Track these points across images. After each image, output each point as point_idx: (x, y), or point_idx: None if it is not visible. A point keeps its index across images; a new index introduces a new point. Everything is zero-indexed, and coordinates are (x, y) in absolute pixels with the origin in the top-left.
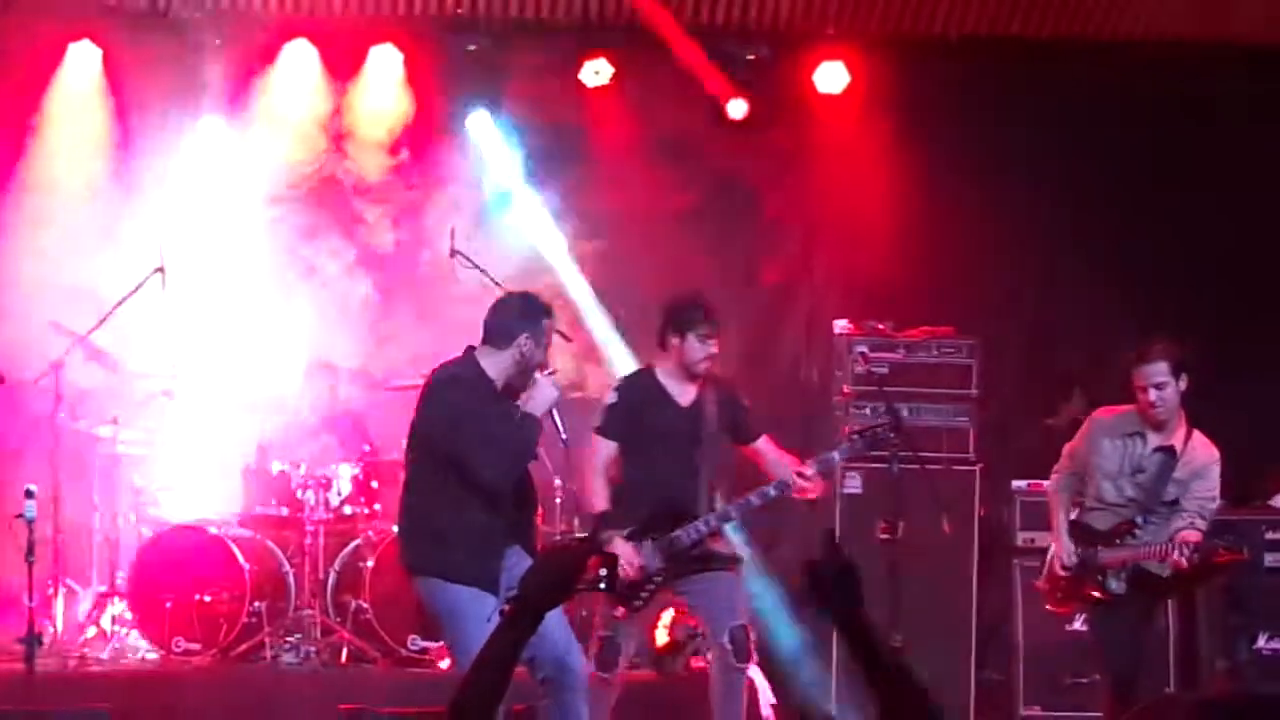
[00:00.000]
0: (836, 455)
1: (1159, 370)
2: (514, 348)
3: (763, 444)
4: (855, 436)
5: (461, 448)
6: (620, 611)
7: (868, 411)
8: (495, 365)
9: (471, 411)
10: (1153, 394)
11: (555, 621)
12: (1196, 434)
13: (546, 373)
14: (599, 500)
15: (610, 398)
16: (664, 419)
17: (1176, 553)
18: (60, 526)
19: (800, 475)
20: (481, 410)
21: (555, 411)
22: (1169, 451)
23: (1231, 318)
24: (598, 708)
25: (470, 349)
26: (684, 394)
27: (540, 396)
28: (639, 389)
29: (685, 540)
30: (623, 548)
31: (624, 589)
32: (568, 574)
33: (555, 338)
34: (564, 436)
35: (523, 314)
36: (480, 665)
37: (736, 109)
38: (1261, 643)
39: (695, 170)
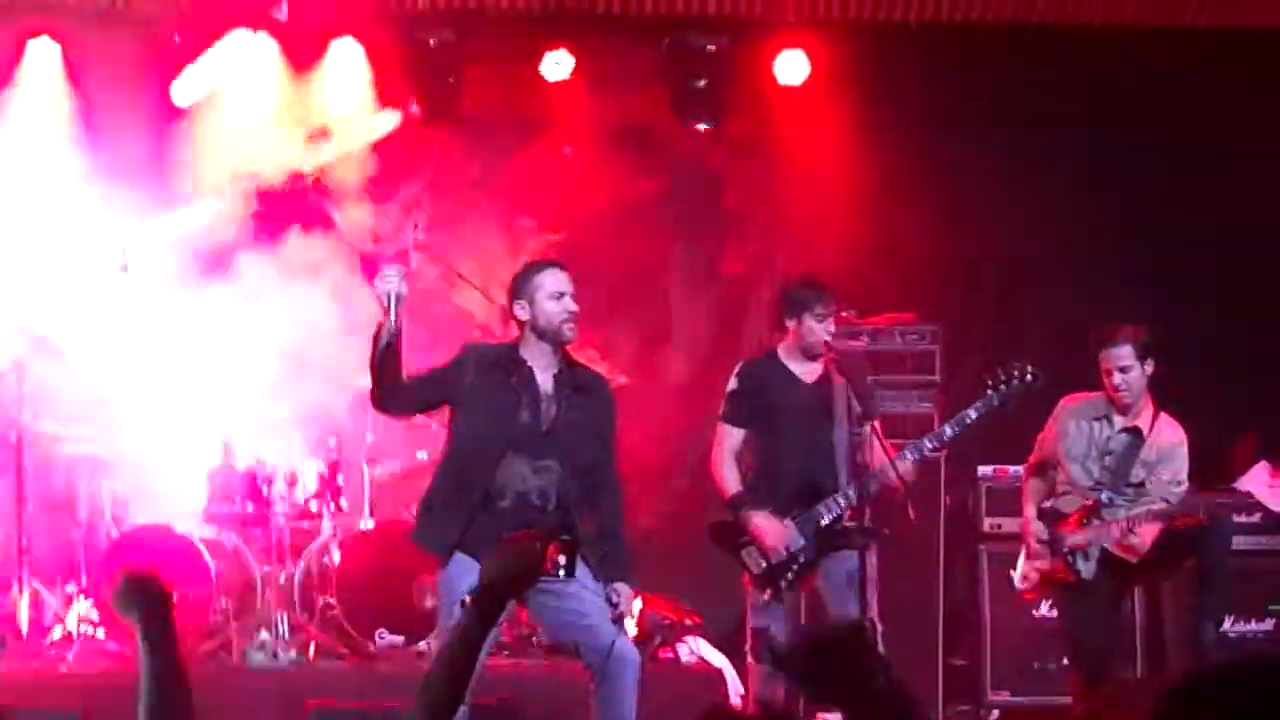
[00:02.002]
0: (971, 414)
1: (1124, 353)
2: (524, 324)
3: (874, 427)
4: (990, 391)
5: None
6: (768, 595)
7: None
8: (529, 346)
9: (470, 368)
10: (1118, 377)
11: (597, 607)
12: (1164, 415)
13: (384, 270)
14: (731, 485)
15: (731, 384)
16: (790, 397)
17: (1129, 527)
18: (24, 528)
19: (901, 464)
20: (459, 366)
21: (395, 304)
22: (1135, 433)
23: (1196, 297)
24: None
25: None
26: (808, 371)
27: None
28: (761, 371)
29: (824, 517)
30: (764, 524)
31: (769, 570)
32: (529, 563)
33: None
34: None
35: (513, 286)
36: (445, 655)
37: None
38: (1228, 625)
39: (656, 161)
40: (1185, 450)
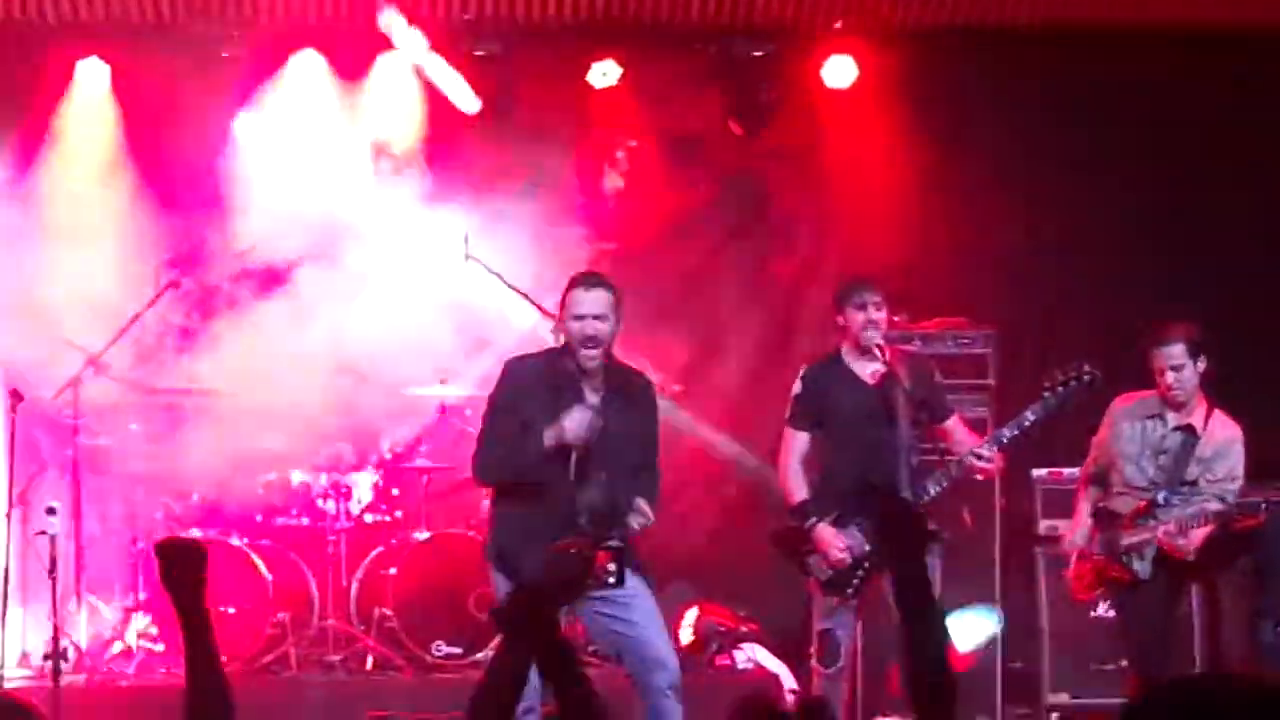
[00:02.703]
0: (1029, 417)
1: (1176, 352)
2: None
3: (952, 423)
4: (1048, 394)
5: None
6: (835, 600)
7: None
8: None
9: (498, 396)
10: (1170, 376)
11: (646, 618)
12: (1217, 412)
13: (577, 411)
14: (797, 491)
15: (796, 387)
16: (851, 400)
17: (1166, 531)
18: (83, 542)
19: (975, 454)
20: (520, 392)
21: (574, 446)
22: (1189, 431)
23: (1251, 294)
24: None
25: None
26: (870, 372)
27: (568, 424)
28: (822, 374)
29: None
30: (829, 534)
31: (835, 577)
32: (576, 572)
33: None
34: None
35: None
36: (497, 665)
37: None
38: None
39: (705, 168)
40: (1240, 447)
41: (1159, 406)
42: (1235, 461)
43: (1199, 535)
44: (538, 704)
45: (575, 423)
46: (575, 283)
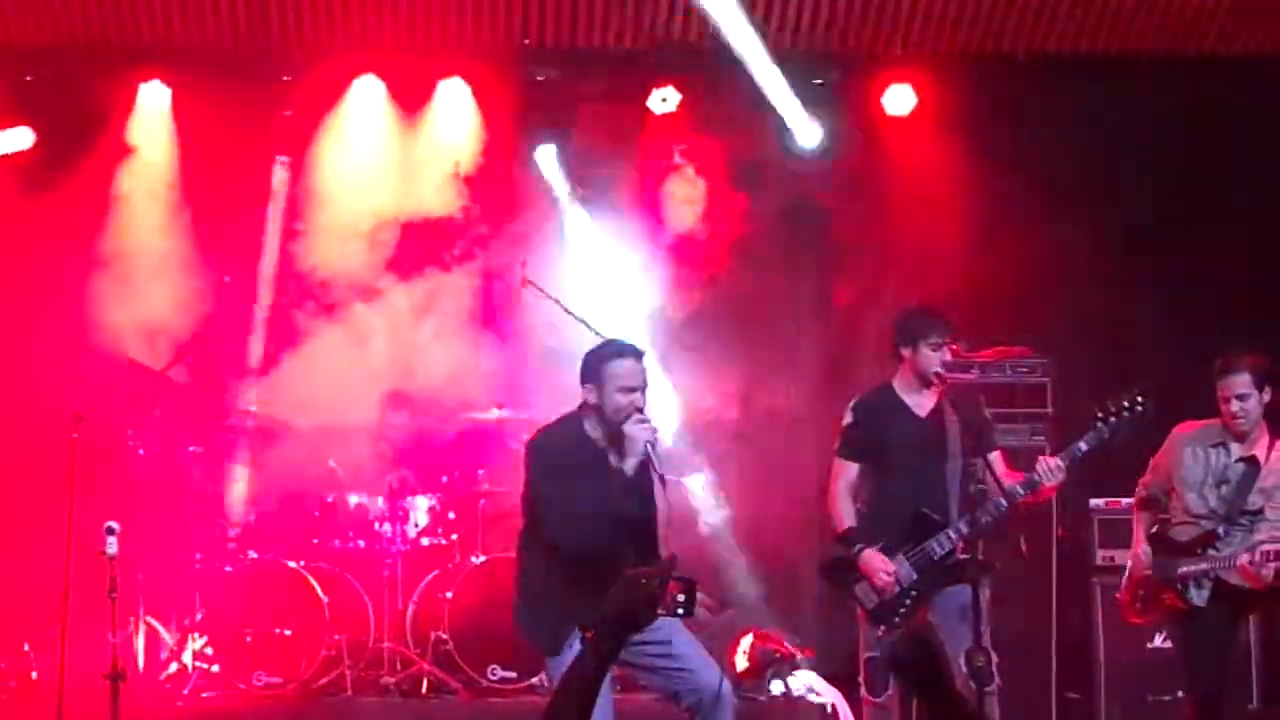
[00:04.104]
0: (1081, 446)
1: (1242, 381)
2: (590, 405)
3: (994, 458)
4: (1100, 424)
5: (535, 509)
6: (882, 630)
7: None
8: (593, 422)
9: (548, 471)
10: (1235, 405)
11: (693, 648)
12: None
13: (635, 419)
14: (845, 520)
15: (847, 418)
16: (904, 431)
17: (1249, 560)
18: (141, 563)
19: (1026, 483)
20: (560, 471)
21: (652, 452)
22: (1252, 462)
23: None
24: None
25: (582, 404)
26: (922, 405)
27: (630, 446)
28: (875, 405)
29: (936, 551)
30: (876, 560)
31: (881, 605)
32: (646, 600)
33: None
34: (660, 473)
35: (584, 367)
36: (563, 691)
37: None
38: None
39: (765, 195)
40: None
41: (1222, 435)
42: None
43: (1275, 566)
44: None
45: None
46: (618, 353)
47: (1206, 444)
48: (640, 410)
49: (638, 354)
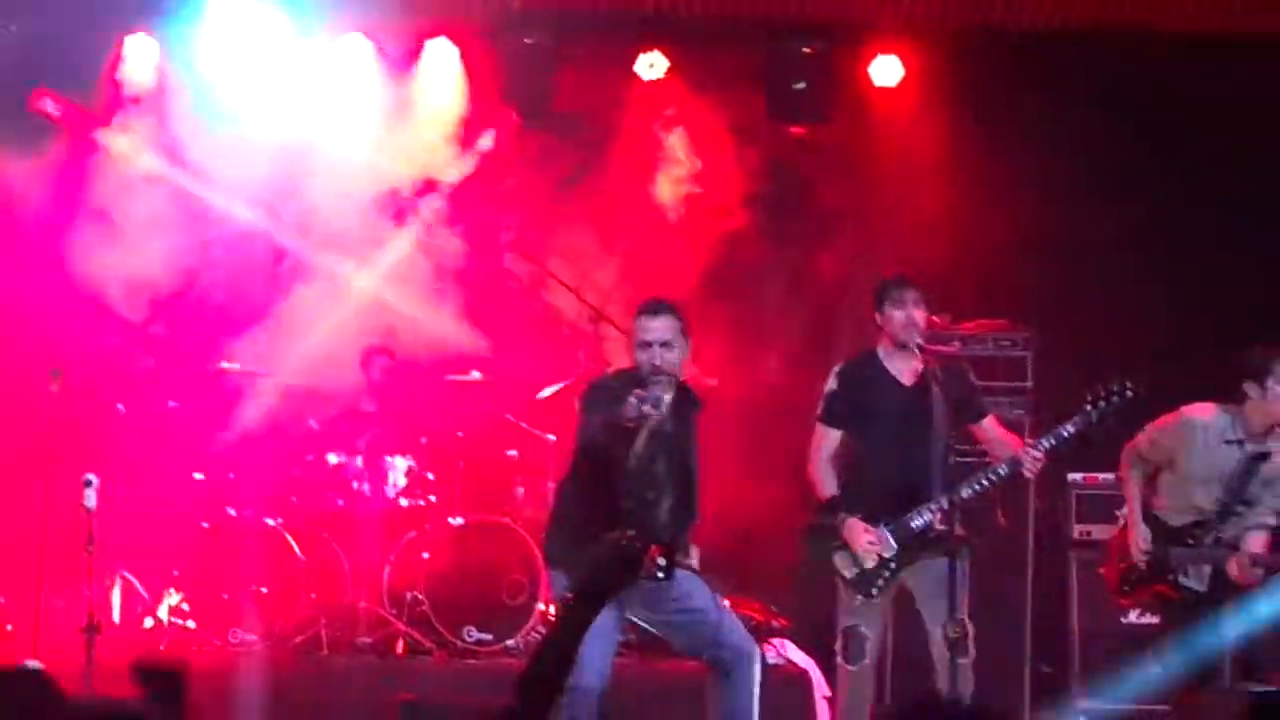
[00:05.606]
0: (1069, 429)
1: None
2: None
3: (988, 423)
4: (1089, 408)
5: (579, 440)
6: (859, 599)
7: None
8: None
9: (593, 402)
10: None
11: (712, 604)
12: None
13: (651, 380)
14: (827, 487)
15: (830, 384)
16: (887, 399)
17: (1237, 567)
18: (119, 518)
19: (1028, 453)
20: (603, 404)
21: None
22: (1264, 458)
23: None
24: (854, 701)
25: None
26: (906, 373)
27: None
28: (858, 372)
29: (917, 523)
30: (859, 529)
31: (860, 575)
32: (627, 564)
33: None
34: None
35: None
36: (546, 645)
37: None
38: None
39: (751, 164)
40: None
41: (1236, 429)
42: None
43: (1265, 566)
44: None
45: (630, 407)
46: (643, 309)
47: (1221, 439)
48: (660, 369)
49: (654, 309)
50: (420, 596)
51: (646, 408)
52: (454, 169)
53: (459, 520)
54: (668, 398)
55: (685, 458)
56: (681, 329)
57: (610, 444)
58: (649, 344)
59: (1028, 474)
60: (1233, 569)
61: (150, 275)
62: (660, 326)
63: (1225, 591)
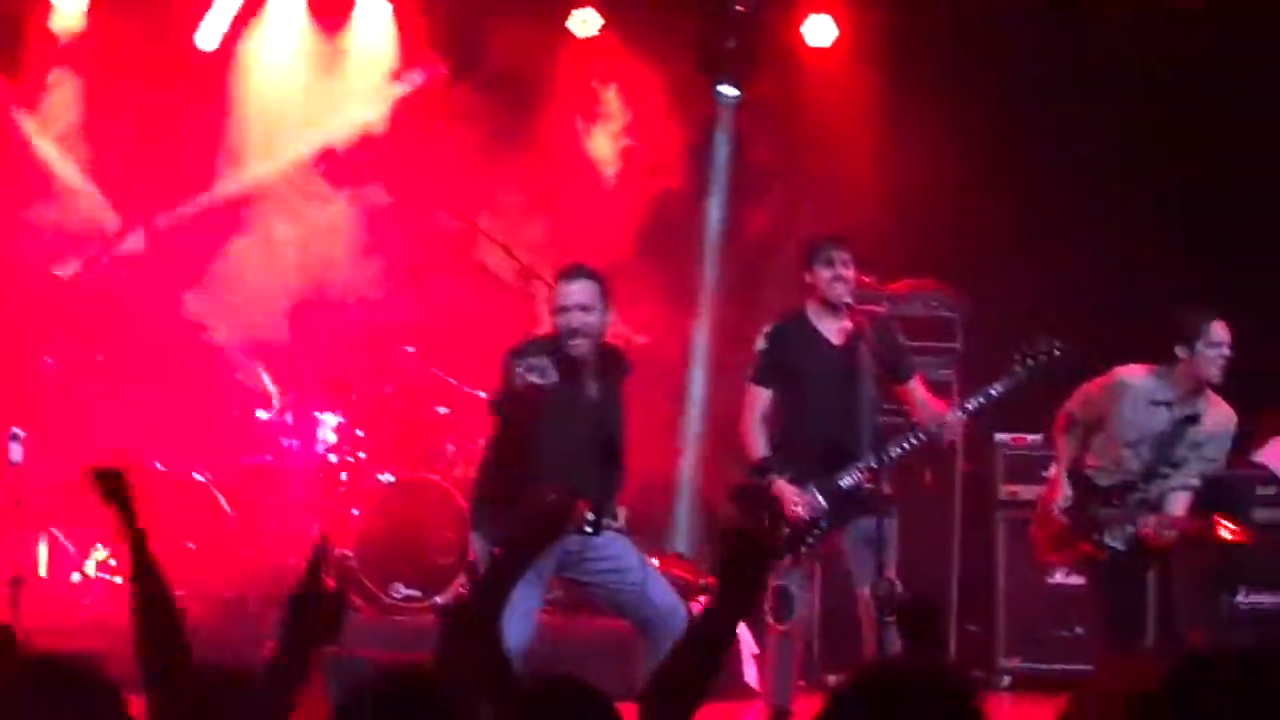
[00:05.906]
0: (996, 388)
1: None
2: None
3: (914, 384)
4: (1017, 367)
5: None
6: (788, 559)
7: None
8: None
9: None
10: (1223, 358)
11: (638, 564)
12: (1215, 398)
13: (568, 342)
14: (758, 448)
15: (759, 344)
16: (816, 359)
17: (1151, 528)
18: (47, 470)
19: (952, 416)
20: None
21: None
22: (1192, 420)
23: (1220, 267)
24: (781, 659)
25: None
26: (835, 332)
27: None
28: (788, 332)
29: (846, 482)
30: (787, 490)
31: (791, 535)
32: (557, 517)
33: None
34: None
35: None
36: (469, 606)
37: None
38: (1241, 597)
39: (681, 120)
40: (1233, 430)
41: (1167, 390)
42: (1225, 447)
43: (1179, 523)
44: None
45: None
46: (561, 274)
47: (1151, 400)
48: (577, 331)
49: (574, 274)
50: (348, 553)
51: (533, 377)
52: (383, 121)
53: (389, 477)
54: (553, 365)
55: (609, 422)
56: (600, 292)
57: (519, 411)
58: (567, 308)
59: (948, 439)
60: (1146, 529)
61: (81, 229)
62: (578, 290)
63: (1148, 553)
